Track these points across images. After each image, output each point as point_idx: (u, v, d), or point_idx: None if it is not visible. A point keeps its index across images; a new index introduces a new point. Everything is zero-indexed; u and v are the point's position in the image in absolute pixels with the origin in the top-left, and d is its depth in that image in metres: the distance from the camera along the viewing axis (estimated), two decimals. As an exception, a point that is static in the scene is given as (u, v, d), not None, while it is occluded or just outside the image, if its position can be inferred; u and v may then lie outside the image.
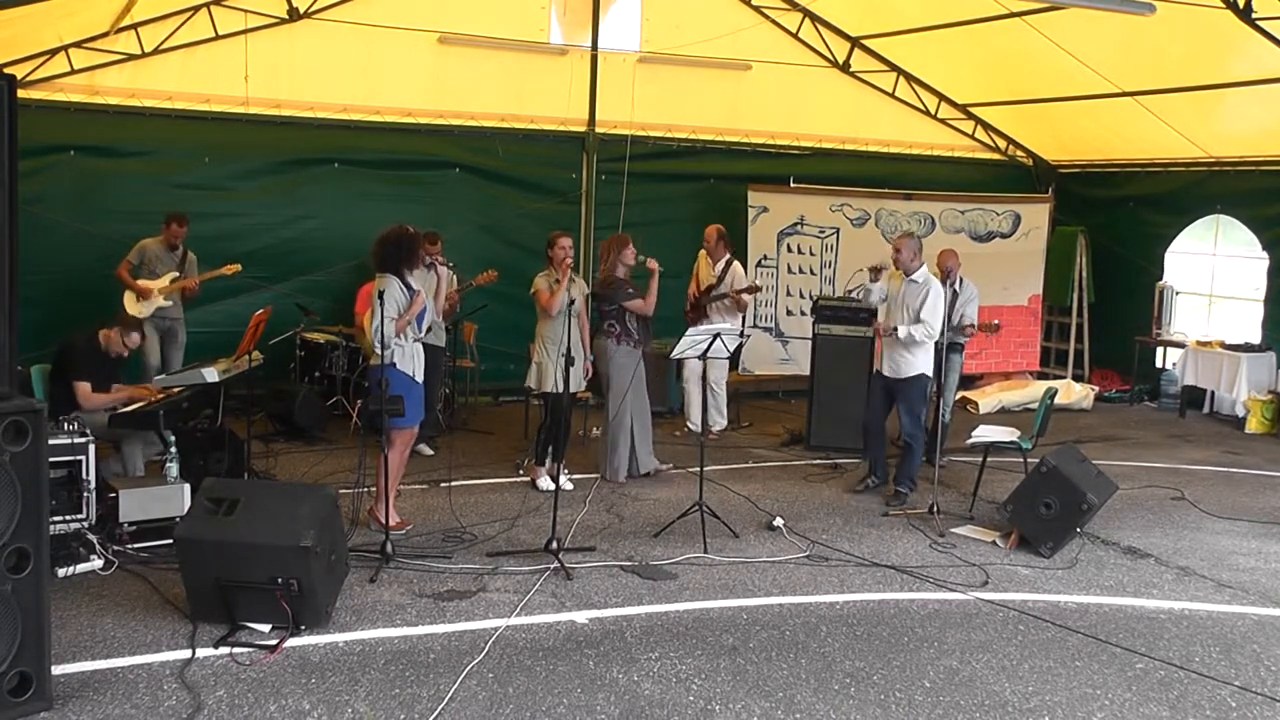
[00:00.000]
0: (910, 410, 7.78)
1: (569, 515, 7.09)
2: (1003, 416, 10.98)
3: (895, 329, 7.62)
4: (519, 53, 10.79)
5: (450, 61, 10.60)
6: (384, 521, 6.32)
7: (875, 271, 8.00)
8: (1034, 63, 10.74)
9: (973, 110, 12.69)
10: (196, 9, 9.55)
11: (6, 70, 4.34)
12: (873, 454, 8.09)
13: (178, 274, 8.95)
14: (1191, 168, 11.81)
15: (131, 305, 8.70)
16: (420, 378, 6.63)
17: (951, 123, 12.74)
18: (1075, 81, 10.77)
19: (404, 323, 6.39)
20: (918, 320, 7.59)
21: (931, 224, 12.02)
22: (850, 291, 10.11)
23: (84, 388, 6.85)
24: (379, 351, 6.24)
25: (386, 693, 4.54)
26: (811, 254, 11.64)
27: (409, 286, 6.48)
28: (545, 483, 7.69)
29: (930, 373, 7.80)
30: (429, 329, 6.95)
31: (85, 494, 5.92)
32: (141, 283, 8.81)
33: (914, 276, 7.73)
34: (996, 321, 8.81)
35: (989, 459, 7.83)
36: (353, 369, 9.37)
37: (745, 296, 9.48)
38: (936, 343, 8.20)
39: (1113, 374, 12.83)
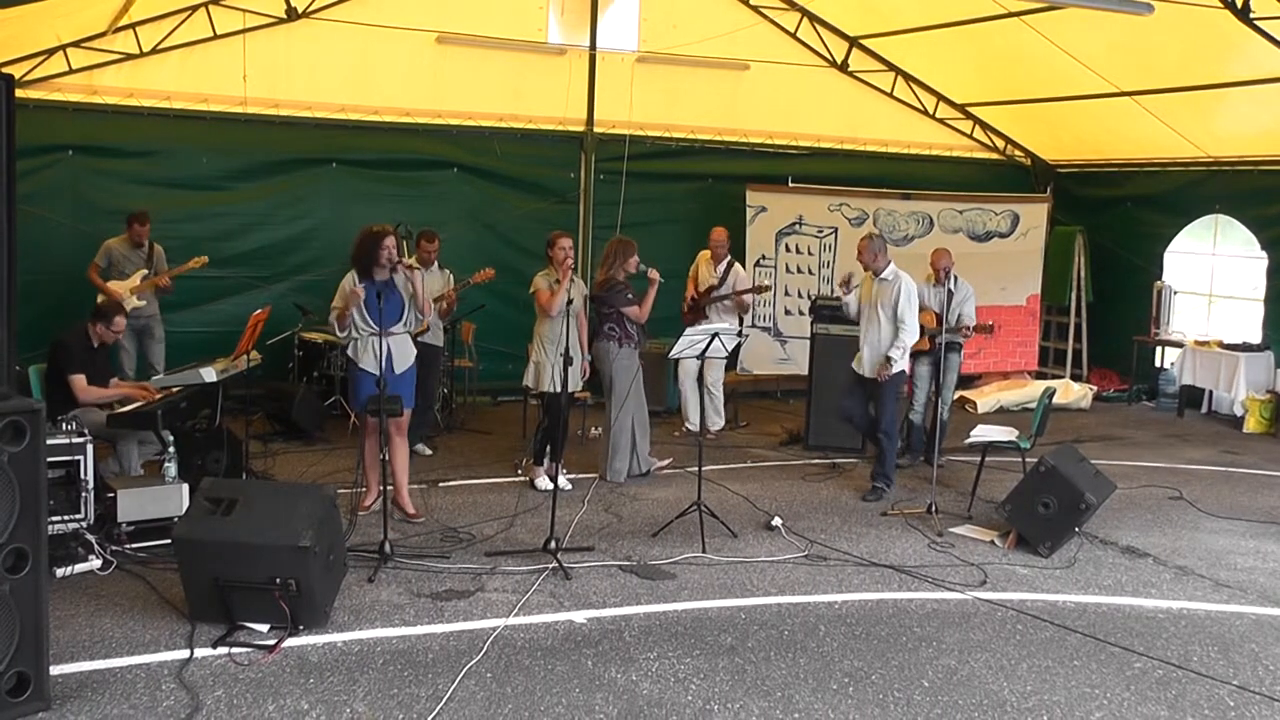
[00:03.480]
0: (886, 409, 7.83)
1: (567, 515, 7.09)
2: (1001, 416, 10.98)
3: (888, 359, 7.63)
4: (517, 52, 10.78)
5: (448, 61, 10.60)
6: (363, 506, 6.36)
7: (846, 285, 8.05)
8: (1032, 63, 10.75)
9: (971, 110, 12.70)
10: (194, 9, 9.55)
11: (5, 70, 4.34)
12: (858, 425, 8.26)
13: (146, 271, 8.98)
14: (1190, 168, 11.81)
15: None
16: (372, 368, 6.63)
17: (950, 122, 12.75)
18: (1074, 81, 10.77)
19: (341, 313, 6.69)
20: (895, 318, 7.66)
21: (930, 224, 12.03)
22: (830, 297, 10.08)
23: (79, 380, 6.85)
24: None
25: (385, 693, 4.54)
26: (810, 254, 11.64)
27: (371, 281, 6.68)
28: (543, 482, 7.69)
29: (905, 369, 7.89)
30: (424, 328, 7.09)
31: (83, 494, 5.92)
32: (112, 285, 8.82)
33: (883, 275, 7.79)
34: (991, 323, 8.81)
35: (987, 458, 7.83)
36: (351, 369, 9.36)
37: (747, 297, 9.50)
38: (936, 342, 8.24)
39: (1111, 374, 12.84)
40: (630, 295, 7.95)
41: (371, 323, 6.63)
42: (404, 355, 6.86)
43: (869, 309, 7.84)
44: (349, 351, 6.82)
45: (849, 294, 8.06)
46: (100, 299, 8.63)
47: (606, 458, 8.08)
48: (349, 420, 9.13)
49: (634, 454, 8.11)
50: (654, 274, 7.88)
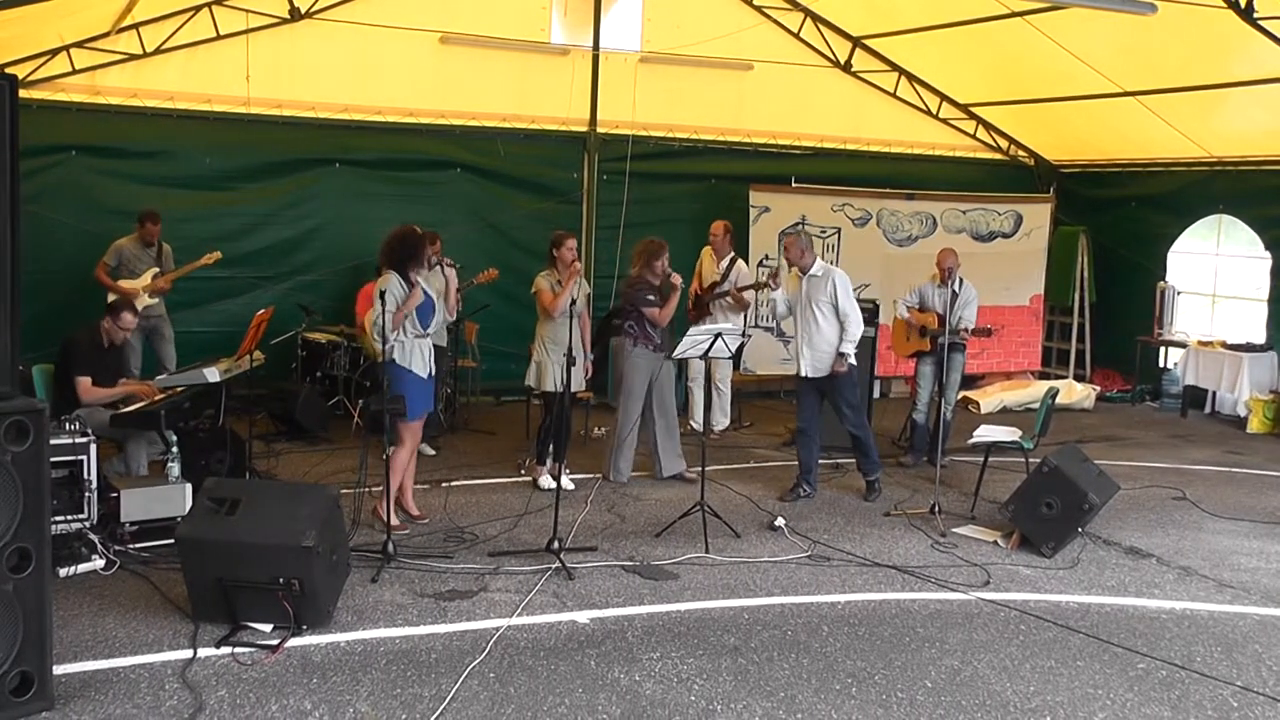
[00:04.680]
0: (847, 403, 7.68)
1: (570, 515, 7.09)
2: (1004, 416, 10.97)
3: (842, 354, 7.50)
4: (520, 53, 10.79)
5: (452, 61, 10.60)
6: (385, 519, 6.33)
7: (774, 277, 7.92)
8: (1035, 62, 10.74)
9: (974, 110, 12.69)
10: (198, 9, 9.55)
11: (8, 70, 4.34)
12: (806, 460, 7.82)
13: (158, 269, 8.98)
14: (1194, 168, 11.80)
15: None
16: (423, 372, 6.66)
17: (953, 122, 12.73)
18: (1077, 81, 10.77)
19: (400, 316, 6.42)
20: (836, 313, 7.53)
21: (933, 224, 12.03)
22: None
23: (84, 382, 6.86)
24: (379, 347, 6.29)
25: (388, 693, 4.54)
26: (813, 254, 11.62)
27: (410, 283, 6.54)
28: (547, 482, 7.70)
29: (854, 360, 7.65)
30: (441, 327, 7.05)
31: (87, 494, 5.93)
32: (124, 284, 8.82)
33: (813, 271, 7.65)
34: (989, 326, 8.78)
35: (990, 459, 7.83)
36: (354, 369, 9.38)
37: (747, 295, 9.47)
38: (938, 343, 8.22)
39: (1114, 374, 12.83)
40: (651, 297, 7.93)
41: (420, 325, 6.59)
42: (432, 356, 6.86)
43: (803, 308, 7.65)
44: (396, 358, 6.45)
45: (776, 289, 7.82)
46: (111, 296, 8.65)
47: (610, 456, 8.08)
48: (352, 420, 9.14)
49: (656, 456, 8.11)
50: (677, 279, 7.88)
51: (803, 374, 7.70)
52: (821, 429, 7.88)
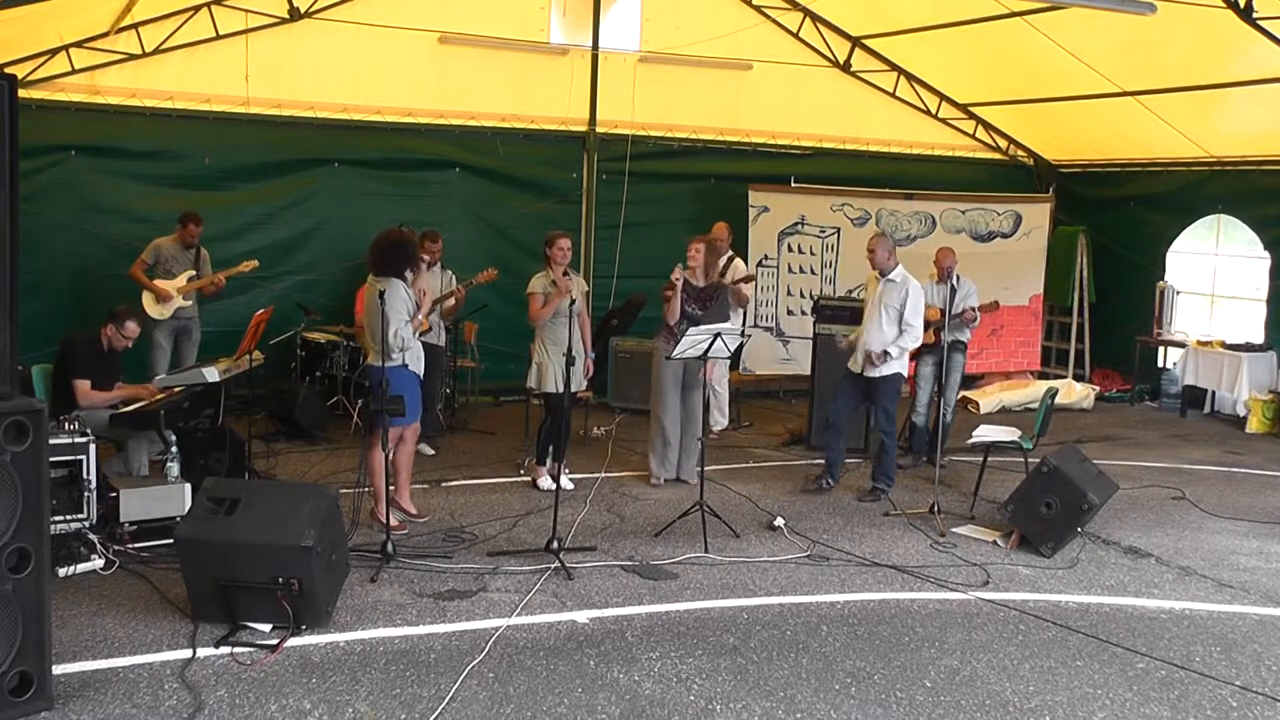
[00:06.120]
0: (884, 410, 7.76)
1: (570, 515, 7.09)
2: (1004, 416, 10.97)
3: (886, 352, 7.56)
4: (519, 52, 10.79)
5: (451, 61, 10.60)
6: (384, 520, 6.33)
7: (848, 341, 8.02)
8: (1035, 62, 10.74)
9: (973, 110, 12.69)
10: (197, 9, 9.55)
11: (7, 70, 4.34)
12: (832, 453, 7.97)
13: (194, 272, 8.96)
14: (1193, 167, 11.80)
15: (151, 306, 8.72)
16: (420, 372, 6.77)
17: (952, 122, 12.74)
18: (1076, 81, 10.77)
19: (418, 323, 6.54)
20: (898, 320, 7.60)
21: (932, 224, 12.03)
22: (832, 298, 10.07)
23: (83, 386, 6.86)
24: (394, 356, 6.32)
25: (387, 692, 4.54)
26: (812, 254, 11.64)
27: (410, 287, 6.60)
28: (546, 482, 7.69)
29: (905, 372, 7.81)
30: (427, 329, 7.07)
31: (86, 493, 5.92)
32: (159, 283, 8.80)
33: (891, 276, 7.72)
34: (995, 300, 8.89)
35: (990, 459, 7.83)
36: (354, 369, 9.37)
37: (744, 288, 9.46)
38: (940, 336, 8.21)
39: (1113, 374, 12.83)
40: (671, 294, 7.97)
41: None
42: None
43: (872, 309, 7.76)
44: (408, 361, 6.53)
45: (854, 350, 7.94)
46: (145, 304, 8.64)
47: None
48: (351, 420, 9.14)
49: (680, 457, 8.12)
50: (675, 274, 7.90)
51: (854, 370, 7.81)
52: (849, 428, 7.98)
